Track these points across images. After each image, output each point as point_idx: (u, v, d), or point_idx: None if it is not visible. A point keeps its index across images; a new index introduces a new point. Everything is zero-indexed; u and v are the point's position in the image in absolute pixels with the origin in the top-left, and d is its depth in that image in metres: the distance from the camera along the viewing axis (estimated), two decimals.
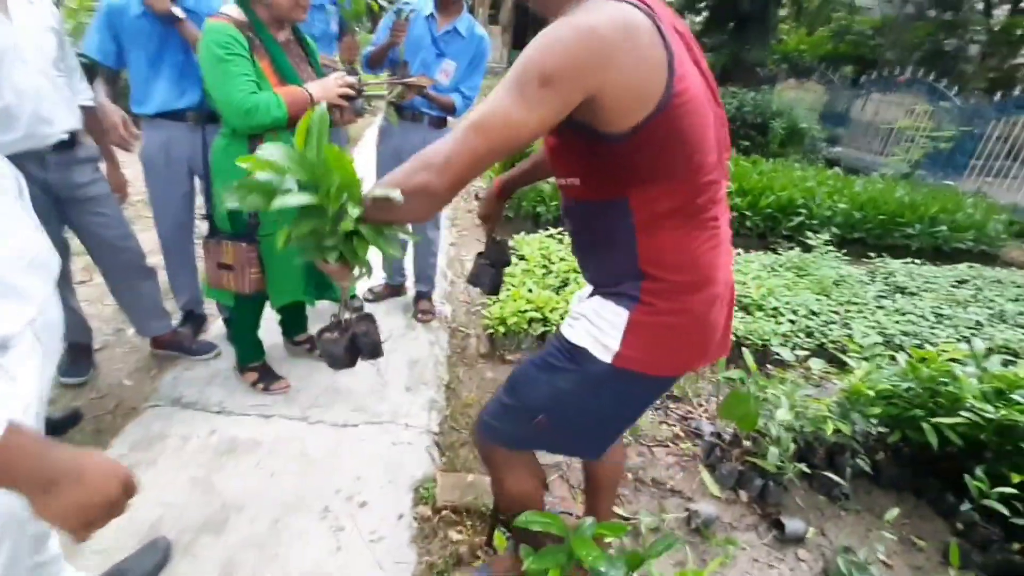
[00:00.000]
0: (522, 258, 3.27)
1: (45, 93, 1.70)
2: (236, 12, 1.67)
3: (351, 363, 1.14)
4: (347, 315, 1.15)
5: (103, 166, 2.00)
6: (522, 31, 16.32)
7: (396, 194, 0.84)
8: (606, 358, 0.98)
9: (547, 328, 2.58)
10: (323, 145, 0.86)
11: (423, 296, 2.87)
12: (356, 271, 0.99)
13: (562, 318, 2.55)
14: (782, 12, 9.46)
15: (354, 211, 0.88)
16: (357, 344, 1.14)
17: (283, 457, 1.84)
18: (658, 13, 0.82)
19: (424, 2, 2.35)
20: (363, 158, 2.96)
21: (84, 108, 1.90)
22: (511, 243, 3.56)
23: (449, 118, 2.50)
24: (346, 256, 0.95)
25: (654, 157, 0.86)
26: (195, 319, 2.54)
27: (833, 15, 14.13)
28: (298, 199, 0.85)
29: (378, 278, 2.96)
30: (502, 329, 2.56)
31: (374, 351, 1.15)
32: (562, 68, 0.77)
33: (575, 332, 1.04)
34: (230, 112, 1.63)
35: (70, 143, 1.83)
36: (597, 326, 1.00)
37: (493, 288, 1.49)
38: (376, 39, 2.36)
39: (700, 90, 0.87)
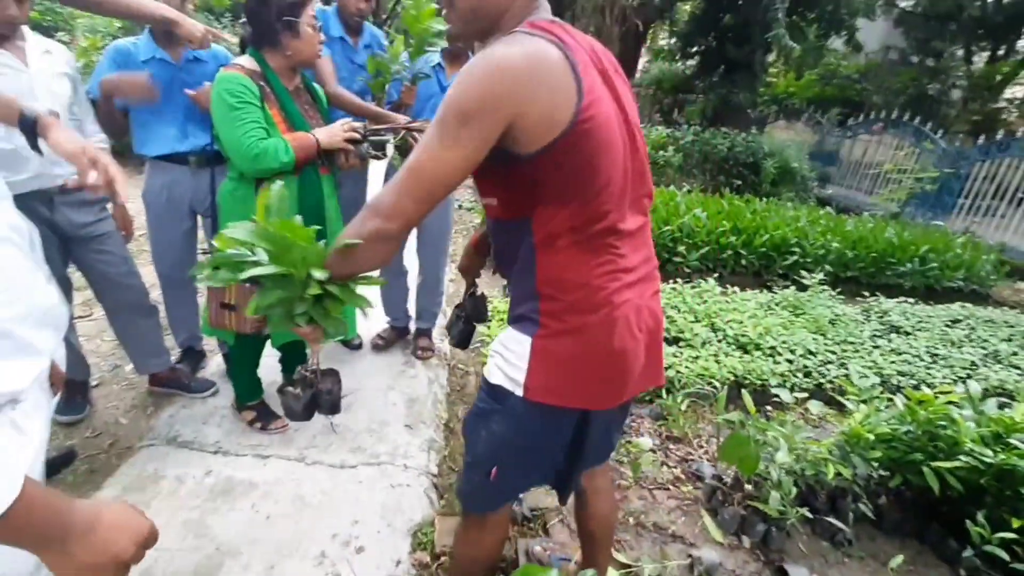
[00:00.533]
0: None
1: None
2: (249, 62, 1.74)
3: (308, 418, 1.18)
4: (311, 371, 1.18)
5: (110, 205, 2.03)
6: None
7: (354, 243, 0.91)
8: (518, 391, 1.00)
9: None
10: (283, 219, 0.93)
11: (423, 333, 2.87)
12: (330, 330, 1.04)
13: None
14: (770, 57, 9.80)
15: (318, 274, 0.94)
16: (318, 400, 1.17)
17: (279, 499, 1.82)
18: (569, 45, 0.88)
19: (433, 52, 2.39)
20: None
21: None
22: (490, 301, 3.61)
23: None
24: (316, 319, 1.01)
25: (557, 177, 0.90)
26: (193, 355, 2.53)
27: (819, 60, 14.67)
28: (266, 269, 0.92)
29: (382, 322, 2.95)
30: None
31: (333, 408, 1.19)
32: (477, 106, 0.83)
33: (489, 369, 1.06)
34: (239, 157, 1.68)
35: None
36: (506, 359, 1.02)
37: (462, 342, 1.49)
38: (389, 98, 2.36)
39: (610, 119, 0.91)
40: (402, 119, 2.15)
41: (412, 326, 2.95)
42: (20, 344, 0.64)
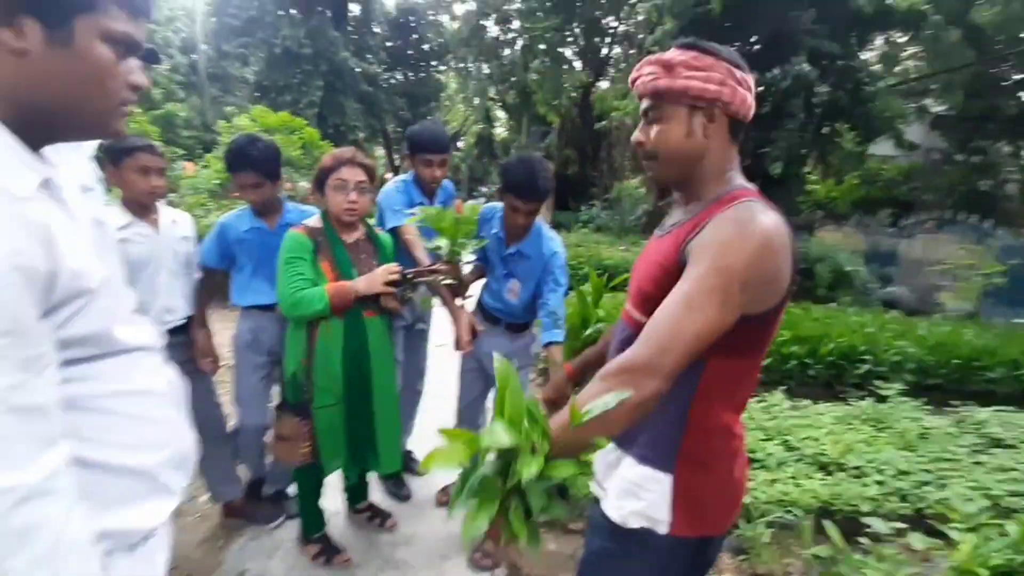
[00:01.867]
0: None
1: (173, 289, 2.04)
2: (314, 220, 2.00)
3: None
4: None
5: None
6: (562, 197, 17.93)
7: (618, 398, 0.80)
8: (661, 529, 0.99)
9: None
10: (517, 399, 0.85)
11: None
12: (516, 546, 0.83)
13: None
14: (807, 168, 10.08)
15: (532, 468, 0.77)
16: None
17: None
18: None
19: (496, 220, 2.32)
20: (445, 368, 2.88)
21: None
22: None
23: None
24: (506, 523, 0.82)
25: (750, 337, 0.95)
26: (262, 486, 2.60)
27: (859, 165, 14.92)
28: (503, 438, 0.80)
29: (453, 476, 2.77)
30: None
31: None
32: (756, 275, 0.87)
33: (622, 514, 1.03)
34: (283, 303, 1.88)
35: (183, 326, 2.13)
36: (642, 499, 1.00)
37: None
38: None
39: None
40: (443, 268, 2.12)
41: None
42: (160, 486, 0.74)
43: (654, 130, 1.00)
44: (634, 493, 1.02)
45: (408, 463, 2.90)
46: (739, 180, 1.01)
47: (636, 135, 1.04)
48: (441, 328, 2.73)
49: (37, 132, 0.68)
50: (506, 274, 2.31)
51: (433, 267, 2.10)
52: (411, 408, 2.87)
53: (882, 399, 3.76)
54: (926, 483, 2.66)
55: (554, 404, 1.47)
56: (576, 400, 0.84)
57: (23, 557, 0.57)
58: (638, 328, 0.95)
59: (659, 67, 0.97)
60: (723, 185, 0.99)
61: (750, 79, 0.99)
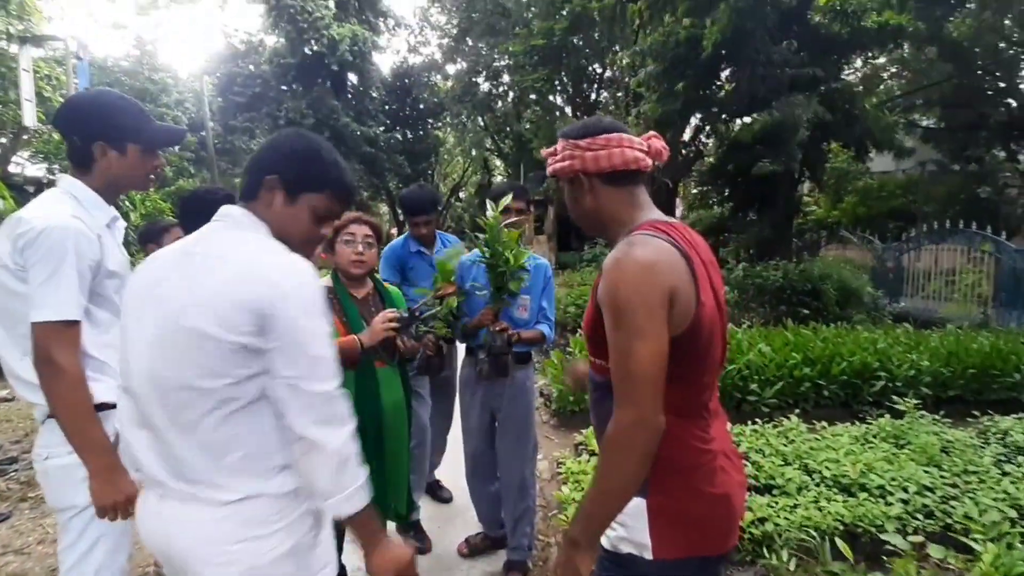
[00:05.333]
0: (593, 453, 3.24)
1: None
2: (326, 280, 2.09)
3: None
4: None
5: None
6: (565, 238, 18.21)
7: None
8: (647, 555, 1.02)
9: None
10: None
11: (515, 567, 2.39)
12: None
13: None
14: (803, 187, 10.21)
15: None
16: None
17: None
18: (683, 244, 1.04)
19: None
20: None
21: None
22: (580, 437, 3.56)
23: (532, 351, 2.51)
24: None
25: (679, 362, 1.00)
26: None
27: (856, 182, 15.06)
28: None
29: (474, 526, 2.68)
30: None
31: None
32: (642, 299, 0.95)
33: (608, 540, 1.07)
34: None
35: None
36: (623, 524, 1.04)
37: (499, 373, 2.03)
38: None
39: (713, 308, 1.06)
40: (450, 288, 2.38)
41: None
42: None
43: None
44: (618, 520, 1.06)
45: (436, 491, 3.13)
46: (643, 217, 1.11)
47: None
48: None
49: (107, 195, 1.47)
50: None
51: (436, 294, 2.25)
52: (439, 445, 3.03)
53: (899, 415, 3.71)
54: (952, 498, 2.61)
55: (573, 387, 1.54)
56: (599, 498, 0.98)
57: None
58: (592, 365, 1.16)
59: (549, 155, 1.19)
60: (627, 226, 1.11)
61: (602, 138, 1.11)
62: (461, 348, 2.60)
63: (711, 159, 12.19)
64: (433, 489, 3.12)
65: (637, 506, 1.04)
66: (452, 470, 3.00)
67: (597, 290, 1.05)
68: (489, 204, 2.23)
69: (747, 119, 9.10)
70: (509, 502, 2.40)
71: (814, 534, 2.31)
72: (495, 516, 2.55)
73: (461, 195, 28.33)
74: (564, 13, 15.40)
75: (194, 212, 2.16)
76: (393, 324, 1.97)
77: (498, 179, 26.15)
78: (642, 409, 0.93)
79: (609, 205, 1.13)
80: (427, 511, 2.92)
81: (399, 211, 2.68)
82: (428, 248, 2.89)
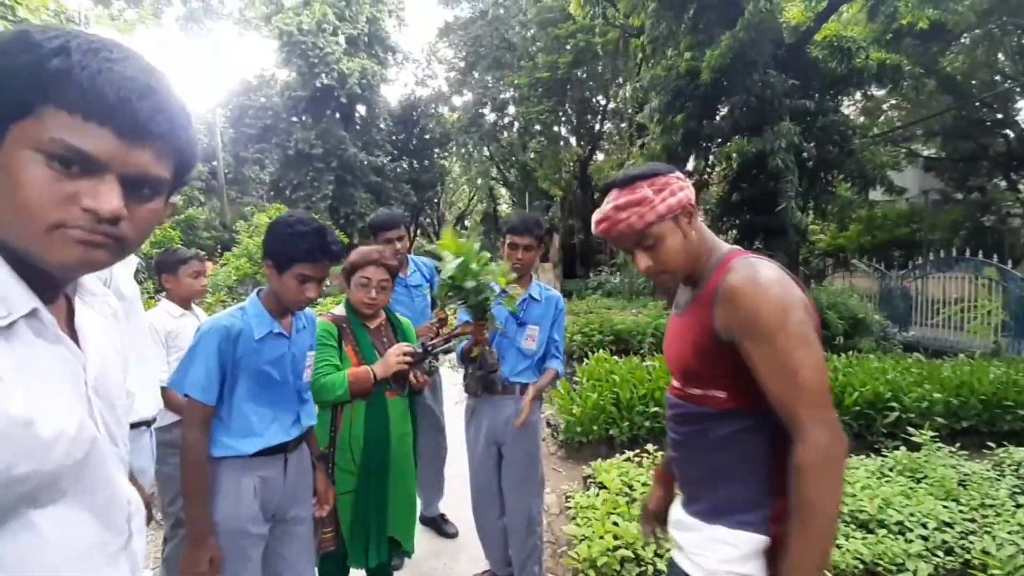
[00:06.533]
0: (602, 486, 3.17)
1: None
2: (339, 309, 2.12)
3: None
4: None
5: None
6: (570, 266, 18.26)
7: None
8: None
9: (642, 568, 2.38)
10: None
11: None
12: None
13: (657, 555, 2.38)
14: (808, 217, 10.25)
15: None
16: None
17: None
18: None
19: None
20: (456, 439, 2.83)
21: None
22: (588, 470, 3.50)
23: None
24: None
25: None
26: None
27: (859, 211, 15.15)
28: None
29: (481, 562, 2.61)
30: (592, 573, 2.38)
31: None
32: (791, 308, 0.97)
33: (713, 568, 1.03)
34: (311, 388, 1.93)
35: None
36: (736, 560, 1.01)
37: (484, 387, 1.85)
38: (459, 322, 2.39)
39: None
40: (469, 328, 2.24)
41: None
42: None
43: (653, 253, 1.11)
44: (730, 557, 1.02)
45: (441, 525, 3.03)
46: (721, 244, 1.16)
47: (641, 266, 1.13)
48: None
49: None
50: (520, 324, 2.36)
51: (454, 332, 2.22)
52: (436, 482, 3.04)
53: (915, 447, 3.64)
54: (971, 532, 2.54)
55: (651, 522, 1.42)
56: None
57: None
58: (687, 398, 1.12)
59: (632, 208, 1.08)
60: (714, 254, 1.13)
61: (673, 177, 1.12)
62: (445, 374, 2.65)
63: (716, 188, 12.31)
64: (439, 523, 3.04)
65: (754, 542, 1.00)
66: (458, 503, 2.95)
67: (711, 322, 1.03)
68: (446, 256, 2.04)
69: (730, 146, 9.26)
70: (516, 540, 2.35)
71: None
72: (502, 554, 2.47)
73: (466, 223, 28.60)
74: (568, 47, 15.82)
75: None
76: (408, 358, 1.97)
77: (503, 207, 26.45)
78: (833, 422, 0.91)
79: (701, 235, 1.14)
80: (433, 546, 2.87)
81: (376, 235, 2.67)
82: (402, 270, 2.82)
